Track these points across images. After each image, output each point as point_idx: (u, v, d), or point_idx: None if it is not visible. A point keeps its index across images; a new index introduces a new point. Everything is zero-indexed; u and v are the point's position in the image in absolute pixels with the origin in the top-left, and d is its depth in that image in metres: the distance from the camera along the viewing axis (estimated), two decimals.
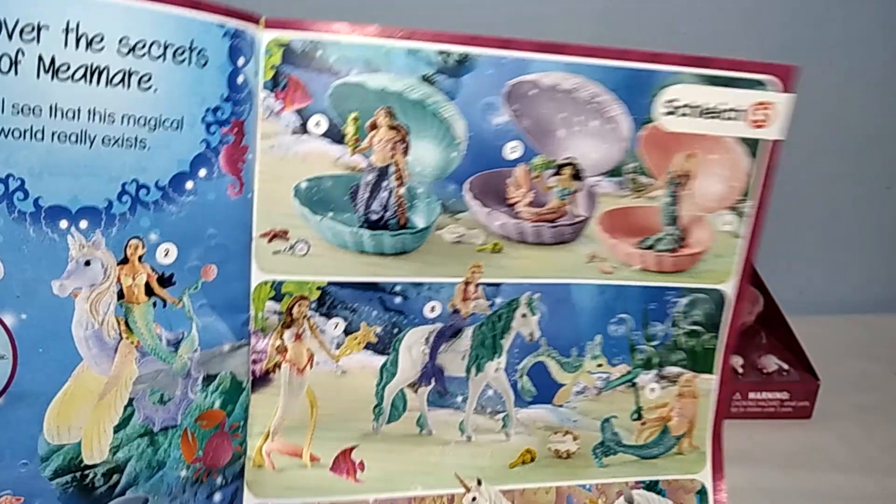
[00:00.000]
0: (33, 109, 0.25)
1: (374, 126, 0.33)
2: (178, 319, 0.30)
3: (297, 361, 0.33)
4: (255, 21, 0.31)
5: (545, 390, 0.36)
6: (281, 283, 0.32)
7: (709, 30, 0.73)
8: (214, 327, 0.31)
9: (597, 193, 0.36)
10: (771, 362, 0.62)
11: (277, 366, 0.33)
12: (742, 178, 0.37)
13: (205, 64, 0.29)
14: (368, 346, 0.34)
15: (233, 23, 0.30)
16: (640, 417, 0.38)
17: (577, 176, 0.35)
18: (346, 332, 0.34)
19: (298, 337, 0.33)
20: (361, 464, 0.34)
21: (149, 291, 0.30)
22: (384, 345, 0.34)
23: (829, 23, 0.74)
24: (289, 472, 0.34)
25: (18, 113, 0.25)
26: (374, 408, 0.35)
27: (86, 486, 0.29)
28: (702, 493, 0.38)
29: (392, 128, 0.33)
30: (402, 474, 0.35)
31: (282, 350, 0.33)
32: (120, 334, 0.29)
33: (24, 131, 0.25)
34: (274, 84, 0.31)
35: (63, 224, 0.27)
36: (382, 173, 0.33)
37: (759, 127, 0.37)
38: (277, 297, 0.32)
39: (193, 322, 0.31)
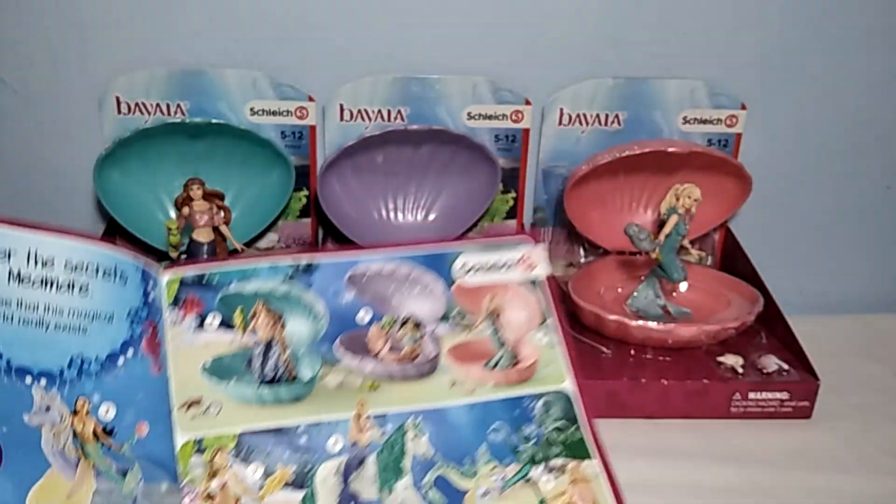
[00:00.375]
0: (6, 302, 0.37)
1: (254, 314, 0.44)
2: (123, 459, 0.38)
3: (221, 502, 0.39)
4: (158, 263, 0.43)
5: (453, 497, 0.41)
6: (201, 439, 0.40)
7: (708, 30, 0.73)
8: (152, 470, 0.38)
9: (438, 335, 0.47)
10: (771, 362, 0.62)
11: None
12: (535, 305, 0.48)
13: (125, 282, 0.40)
14: (287, 485, 0.40)
15: (142, 261, 0.41)
16: None
17: (417, 325, 0.46)
18: (266, 474, 0.40)
19: (223, 486, 0.39)
20: None
21: (97, 435, 0.38)
22: (301, 480, 0.40)
23: (828, 23, 0.74)
24: None
25: None
26: None
27: None
28: None
29: (269, 312, 0.44)
30: None
31: (210, 497, 0.39)
32: (78, 458, 0.37)
33: (0, 315, 0.37)
34: (175, 303, 0.42)
35: (28, 380, 0.37)
36: (268, 345, 0.43)
37: (530, 270, 0.48)
38: (200, 451, 0.39)
39: (135, 462, 0.38)
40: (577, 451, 0.44)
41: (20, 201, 0.75)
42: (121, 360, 0.39)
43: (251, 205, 0.72)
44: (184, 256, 0.68)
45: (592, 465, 0.43)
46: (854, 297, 0.84)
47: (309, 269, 0.46)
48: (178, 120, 0.69)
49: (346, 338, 0.44)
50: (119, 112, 0.70)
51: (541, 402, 0.45)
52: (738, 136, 0.75)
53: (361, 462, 0.40)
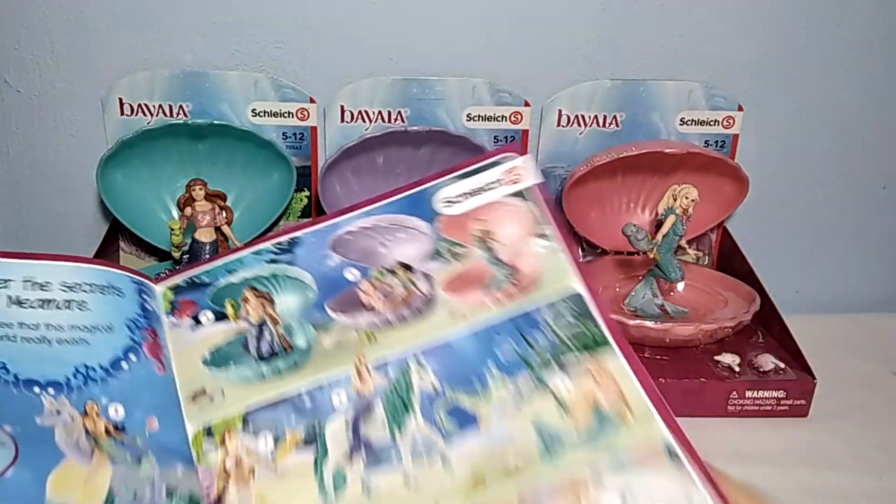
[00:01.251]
0: (7, 325, 0.39)
1: (244, 300, 0.45)
2: (136, 449, 0.40)
3: (242, 479, 0.40)
4: (151, 277, 0.46)
5: (468, 422, 0.40)
6: (210, 425, 0.41)
7: (705, 33, 0.74)
8: (167, 457, 0.40)
9: (429, 273, 0.45)
10: (767, 361, 0.63)
11: (226, 488, 0.40)
12: (528, 216, 0.45)
13: (122, 295, 0.43)
14: (298, 448, 0.41)
15: (136, 276, 0.44)
16: (567, 411, 0.39)
17: (407, 268, 0.45)
18: (276, 442, 0.41)
19: (238, 462, 0.41)
20: None
21: (109, 432, 0.40)
22: (311, 440, 0.41)
23: (825, 24, 0.75)
24: None
25: None
26: (318, 489, 0.40)
27: None
28: (669, 451, 0.38)
29: (257, 295, 0.45)
30: None
31: (227, 474, 0.40)
32: (92, 449, 0.39)
33: (3, 336, 0.39)
34: (171, 309, 0.45)
35: (36, 389, 0.38)
36: (261, 325, 0.45)
37: (517, 182, 0.46)
38: (210, 435, 0.41)
39: (149, 451, 0.40)
40: (593, 344, 0.40)
41: (24, 202, 0.76)
42: (125, 365, 0.40)
43: (253, 205, 0.73)
44: (186, 256, 0.68)
45: (614, 358, 0.40)
46: (850, 297, 0.84)
47: (291, 244, 0.46)
48: (181, 121, 0.70)
49: (337, 298, 0.44)
50: (122, 113, 0.71)
51: (547, 307, 0.42)
52: (735, 137, 0.75)
53: (369, 410, 0.40)
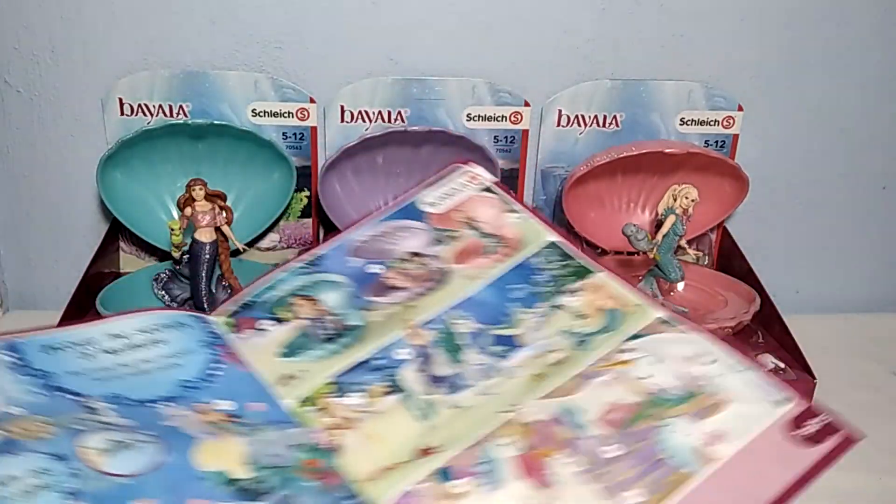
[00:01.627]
0: (108, 368, 0.46)
1: (296, 305, 0.53)
2: (251, 425, 0.46)
3: (349, 428, 0.47)
4: (207, 313, 0.53)
5: (511, 344, 0.50)
6: (305, 397, 0.48)
7: (705, 33, 0.74)
8: (278, 426, 0.46)
9: (436, 254, 0.55)
10: (768, 361, 0.63)
11: (339, 438, 0.46)
12: (496, 201, 0.58)
13: (190, 328, 0.50)
14: (385, 395, 0.48)
15: (192, 312, 0.51)
16: (583, 317, 0.50)
17: (418, 255, 0.55)
18: (365, 395, 0.48)
19: (339, 418, 0.47)
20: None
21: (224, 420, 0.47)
22: (393, 387, 0.48)
23: (824, 24, 0.75)
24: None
25: (100, 371, 0.46)
26: (414, 419, 0.47)
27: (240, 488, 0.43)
28: (664, 321, 0.49)
29: (305, 298, 0.53)
30: (469, 432, 0.46)
31: (332, 428, 0.46)
32: (218, 432, 0.45)
33: (111, 377, 0.45)
34: (234, 328, 0.51)
35: (154, 405, 0.45)
36: (317, 319, 0.52)
37: (480, 182, 0.60)
38: (308, 403, 0.47)
39: (264, 424, 0.46)
40: (583, 272, 0.53)
41: (24, 202, 0.76)
42: (216, 372, 0.48)
43: (253, 205, 0.73)
44: (186, 256, 0.68)
45: (600, 276, 0.52)
46: (851, 297, 0.85)
47: (317, 260, 0.55)
48: (181, 121, 0.70)
49: (370, 288, 0.53)
50: (122, 113, 0.71)
51: (537, 257, 0.54)
52: (735, 137, 0.75)
53: (431, 356, 0.49)
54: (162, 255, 0.75)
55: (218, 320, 0.52)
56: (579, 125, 0.75)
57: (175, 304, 0.69)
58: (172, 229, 0.66)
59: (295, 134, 0.73)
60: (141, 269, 0.74)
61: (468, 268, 0.54)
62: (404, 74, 0.72)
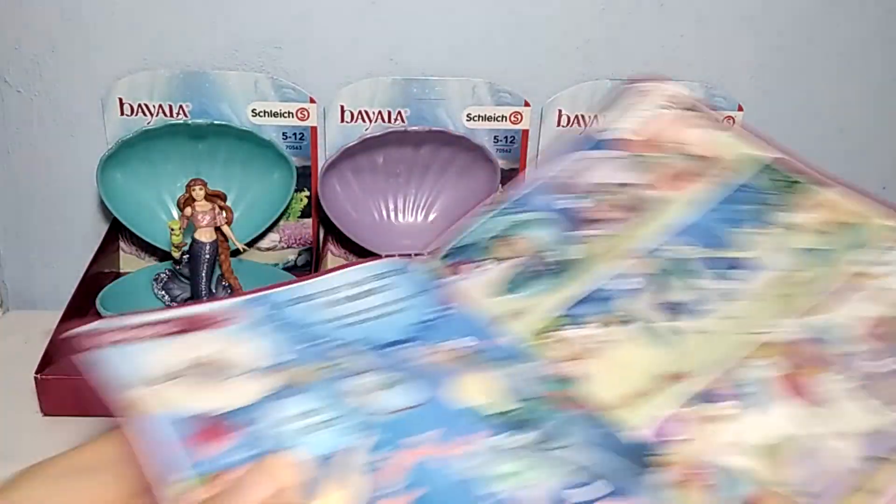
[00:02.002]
0: (343, 317, 0.45)
1: (510, 244, 0.51)
2: (497, 360, 0.46)
3: (592, 355, 0.45)
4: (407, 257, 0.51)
5: (749, 268, 0.47)
6: (538, 329, 0.46)
7: (705, 33, 0.74)
8: (519, 359, 0.45)
9: (640, 182, 0.52)
10: None
11: (584, 364, 0.44)
12: (705, 120, 0.54)
13: (409, 271, 0.49)
14: (622, 323, 0.46)
15: (402, 259, 0.50)
16: (820, 233, 0.48)
17: (622, 185, 0.52)
18: (601, 324, 0.46)
19: (580, 345, 0.46)
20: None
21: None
22: (629, 315, 0.46)
23: (824, 25, 0.75)
24: None
25: (346, 317, 0.45)
26: (657, 345, 0.45)
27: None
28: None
29: (518, 238, 0.51)
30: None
31: (578, 354, 0.45)
32: (465, 368, 0.45)
33: (345, 325, 0.44)
34: (451, 270, 0.50)
35: (396, 348, 0.44)
36: (534, 255, 0.50)
37: (682, 103, 0.55)
38: (543, 335, 0.46)
39: (506, 358, 0.46)
40: (813, 190, 0.50)
41: (24, 202, 0.76)
42: (446, 312, 0.47)
43: (253, 205, 0.73)
44: (186, 256, 0.68)
45: (833, 192, 0.49)
46: None
47: (520, 200, 0.54)
48: (181, 121, 0.70)
49: (581, 221, 0.51)
50: (122, 113, 0.71)
51: (759, 178, 0.51)
52: None
53: (663, 283, 0.47)
54: (162, 255, 0.75)
55: (433, 264, 0.52)
56: (579, 125, 0.75)
57: (175, 304, 0.69)
58: (172, 229, 0.66)
59: (295, 134, 0.73)
60: (141, 269, 0.74)
61: (683, 193, 0.52)
62: (404, 74, 0.72)
